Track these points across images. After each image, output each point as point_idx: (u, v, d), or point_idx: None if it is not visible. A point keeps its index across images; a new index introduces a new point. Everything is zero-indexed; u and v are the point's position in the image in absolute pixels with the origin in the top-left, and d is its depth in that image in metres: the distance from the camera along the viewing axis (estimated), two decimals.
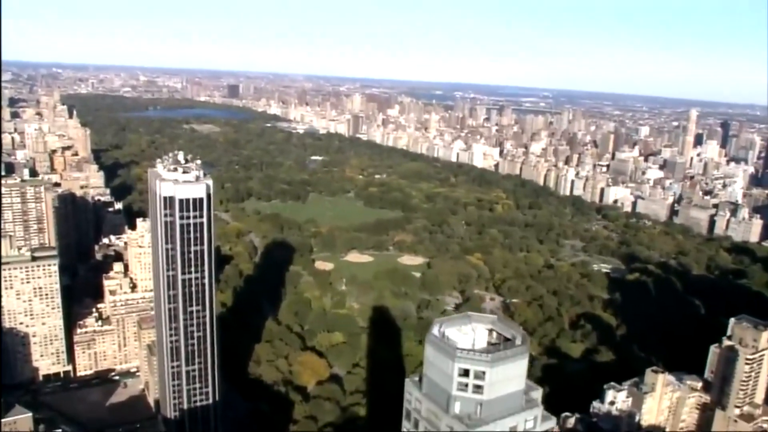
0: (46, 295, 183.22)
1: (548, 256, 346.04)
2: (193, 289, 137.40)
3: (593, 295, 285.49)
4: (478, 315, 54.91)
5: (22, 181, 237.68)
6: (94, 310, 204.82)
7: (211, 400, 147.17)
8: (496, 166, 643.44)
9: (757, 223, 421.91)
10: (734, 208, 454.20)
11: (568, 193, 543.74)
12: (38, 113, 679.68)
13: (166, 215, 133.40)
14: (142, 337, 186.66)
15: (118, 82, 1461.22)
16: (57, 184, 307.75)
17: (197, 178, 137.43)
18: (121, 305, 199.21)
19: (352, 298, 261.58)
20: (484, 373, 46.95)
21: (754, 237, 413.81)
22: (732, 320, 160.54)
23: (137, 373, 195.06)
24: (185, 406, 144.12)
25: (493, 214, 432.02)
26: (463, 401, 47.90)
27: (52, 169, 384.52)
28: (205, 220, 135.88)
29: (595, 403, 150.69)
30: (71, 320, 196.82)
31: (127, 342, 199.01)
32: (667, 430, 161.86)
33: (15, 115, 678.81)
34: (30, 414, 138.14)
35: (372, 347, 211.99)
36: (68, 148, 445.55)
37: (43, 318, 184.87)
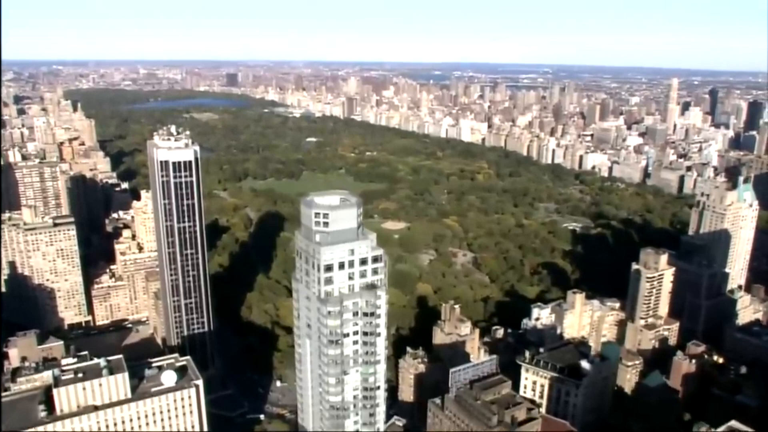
0: (67, 255, 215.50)
1: (521, 218, 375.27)
2: (187, 235, 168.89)
3: (555, 247, 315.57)
4: (336, 191, 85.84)
5: (40, 162, 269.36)
6: (108, 270, 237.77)
7: (206, 329, 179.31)
8: (483, 140, 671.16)
9: (722, 181, 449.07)
10: (702, 168, 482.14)
11: (549, 161, 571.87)
12: (43, 109, 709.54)
13: (162, 176, 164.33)
14: (149, 288, 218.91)
15: (119, 76, 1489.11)
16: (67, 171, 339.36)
17: (186, 145, 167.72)
18: (131, 263, 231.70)
19: None
20: (327, 214, 78.02)
21: (755, 204, 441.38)
22: (642, 250, 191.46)
23: (147, 321, 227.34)
24: (185, 333, 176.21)
25: (474, 183, 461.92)
26: (319, 233, 78.91)
27: (62, 159, 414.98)
28: (194, 179, 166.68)
29: (524, 320, 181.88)
30: (89, 279, 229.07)
31: (137, 295, 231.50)
32: (591, 343, 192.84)
33: (21, 112, 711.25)
34: (62, 342, 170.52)
35: None
36: (75, 138, 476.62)
37: (66, 275, 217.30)
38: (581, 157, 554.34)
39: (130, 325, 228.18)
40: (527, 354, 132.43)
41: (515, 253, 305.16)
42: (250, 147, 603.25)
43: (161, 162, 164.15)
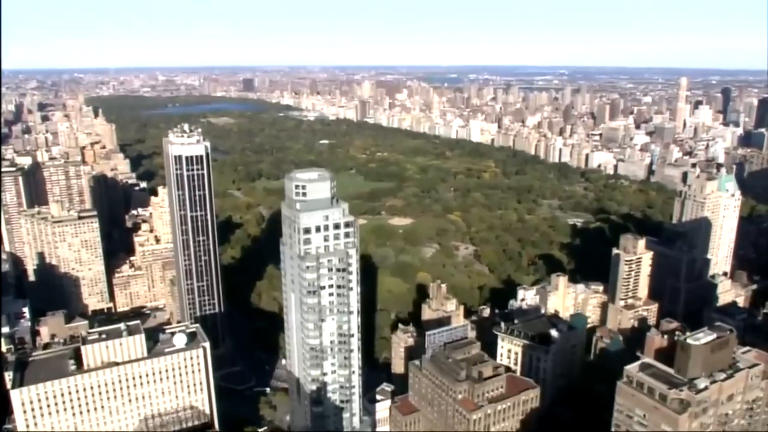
0: (91, 246, 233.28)
1: (524, 214, 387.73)
2: (199, 223, 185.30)
3: (554, 240, 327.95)
4: (314, 168, 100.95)
5: (65, 162, 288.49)
6: (128, 261, 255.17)
7: (217, 310, 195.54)
8: (493, 140, 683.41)
9: (702, 172, 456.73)
10: (706, 165, 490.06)
11: (556, 160, 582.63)
12: (66, 115, 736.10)
13: (176, 169, 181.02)
14: (166, 277, 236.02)
15: (138, 83, 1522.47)
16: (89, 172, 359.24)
17: (198, 141, 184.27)
18: (149, 254, 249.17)
19: None
20: (305, 186, 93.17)
21: (738, 194, 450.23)
22: (622, 236, 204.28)
23: (164, 307, 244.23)
24: (198, 314, 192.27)
25: (480, 181, 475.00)
26: (299, 202, 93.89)
27: (84, 161, 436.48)
28: (205, 171, 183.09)
29: (511, 301, 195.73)
30: (110, 269, 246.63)
31: (155, 283, 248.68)
32: None
33: (45, 119, 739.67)
34: (86, 322, 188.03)
35: None
36: (96, 142, 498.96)
37: (89, 265, 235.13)
38: (587, 155, 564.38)
39: (148, 312, 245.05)
40: (503, 325, 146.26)
41: (514, 245, 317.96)
42: (265, 149, 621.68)
43: (175, 156, 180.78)
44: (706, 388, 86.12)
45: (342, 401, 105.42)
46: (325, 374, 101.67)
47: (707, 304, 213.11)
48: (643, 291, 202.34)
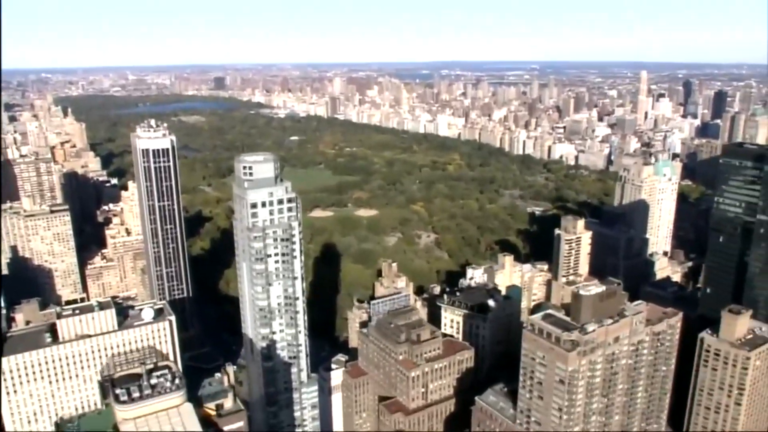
0: (63, 238, 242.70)
1: (485, 203, 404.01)
2: (166, 213, 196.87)
3: (512, 227, 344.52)
4: (261, 152, 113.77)
5: (36, 159, 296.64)
6: (100, 253, 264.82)
7: (185, 295, 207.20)
8: (459, 134, 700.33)
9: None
10: (660, 155, 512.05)
11: (520, 152, 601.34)
12: (34, 115, 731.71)
13: (144, 162, 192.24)
14: (137, 267, 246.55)
15: (108, 83, 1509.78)
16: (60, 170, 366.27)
17: (164, 135, 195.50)
18: (120, 246, 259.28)
19: (307, 238, 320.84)
20: (251, 167, 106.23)
21: (675, 178, 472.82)
22: (563, 217, 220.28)
23: (135, 297, 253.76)
24: (167, 299, 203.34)
25: (444, 173, 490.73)
26: (247, 181, 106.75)
27: (54, 161, 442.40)
28: (171, 164, 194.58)
29: (461, 280, 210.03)
30: (83, 261, 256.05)
31: (126, 274, 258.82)
32: (523, 301, 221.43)
33: (12, 119, 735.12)
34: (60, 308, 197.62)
35: (318, 269, 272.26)
36: (66, 142, 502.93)
37: (62, 257, 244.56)
38: (549, 147, 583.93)
39: (120, 301, 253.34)
40: (446, 297, 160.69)
41: (474, 232, 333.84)
42: (235, 146, 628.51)
43: (143, 150, 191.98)
44: (593, 330, 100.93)
45: (290, 357, 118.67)
46: (273, 333, 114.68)
47: (645, 279, 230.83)
48: (583, 268, 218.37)
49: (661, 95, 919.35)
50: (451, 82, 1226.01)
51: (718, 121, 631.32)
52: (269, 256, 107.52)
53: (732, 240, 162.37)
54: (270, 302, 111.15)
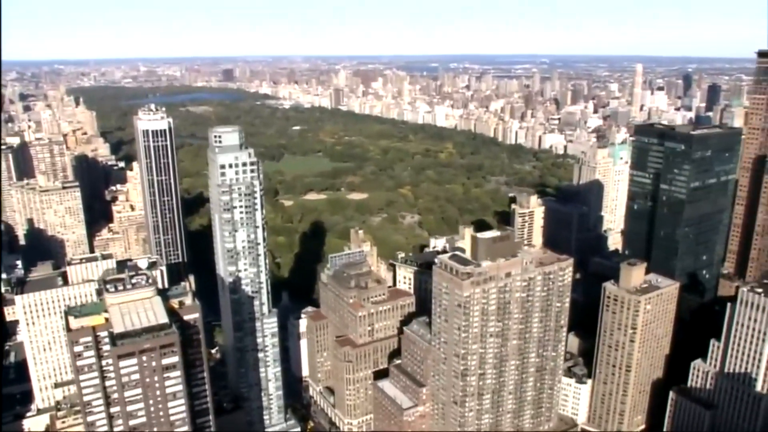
0: (74, 212, 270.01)
1: (470, 188, 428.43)
2: (164, 186, 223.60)
3: (490, 209, 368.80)
4: (229, 126, 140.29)
5: (50, 141, 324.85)
6: (107, 227, 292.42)
7: (181, 260, 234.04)
8: (456, 125, 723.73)
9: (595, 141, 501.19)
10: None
11: (513, 142, 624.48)
12: (48, 105, 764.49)
13: (144, 141, 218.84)
14: (140, 238, 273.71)
15: (119, 74, 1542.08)
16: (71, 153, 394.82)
17: (162, 118, 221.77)
18: (125, 220, 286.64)
19: (297, 217, 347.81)
20: (221, 135, 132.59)
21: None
22: (517, 194, 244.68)
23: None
24: (165, 263, 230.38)
25: (436, 160, 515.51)
26: (217, 147, 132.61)
27: (67, 148, 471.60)
28: (168, 143, 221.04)
29: (426, 249, 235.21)
30: (91, 234, 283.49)
31: (131, 245, 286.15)
32: None
33: (27, 108, 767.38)
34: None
35: (304, 243, 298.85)
36: (78, 129, 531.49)
37: (73, 228, 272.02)
38: (540, 137, 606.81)
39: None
40: (400, 256, 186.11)
41: (454, 213, 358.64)
42: None
43: (143, 131, 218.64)
44: (485, 265, 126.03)
45: (253, 292, 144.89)
46: (239, 270, 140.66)
47: (597, 252, 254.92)
48: (537, 240, 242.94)
49: (660, 88, 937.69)
50: (455, 74, 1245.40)
51: (711, 113, 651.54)
52: (235, 207, 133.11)
53: (643, 207, 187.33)
54: (236, 245, 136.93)
